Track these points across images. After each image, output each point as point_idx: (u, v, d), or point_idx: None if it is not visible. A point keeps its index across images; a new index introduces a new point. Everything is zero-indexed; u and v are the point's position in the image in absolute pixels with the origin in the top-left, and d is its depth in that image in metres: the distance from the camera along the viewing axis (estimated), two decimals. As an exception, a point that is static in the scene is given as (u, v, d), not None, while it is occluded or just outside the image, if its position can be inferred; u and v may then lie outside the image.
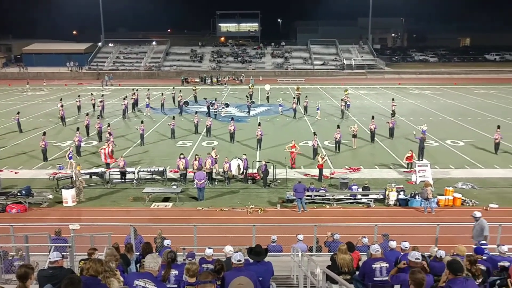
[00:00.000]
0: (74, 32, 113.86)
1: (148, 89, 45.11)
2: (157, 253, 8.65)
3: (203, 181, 20.46)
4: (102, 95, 43.41)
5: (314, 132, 27.29)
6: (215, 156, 23.21)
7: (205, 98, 42.42)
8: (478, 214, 13.68)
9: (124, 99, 40.91)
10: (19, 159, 26.41)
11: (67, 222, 14.25)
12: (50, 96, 51.71)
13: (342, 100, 40.00)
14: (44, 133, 27.24)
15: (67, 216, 18.29)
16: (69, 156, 24.05)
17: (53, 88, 58.69)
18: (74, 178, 20.65)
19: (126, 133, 32.61)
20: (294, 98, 40.92)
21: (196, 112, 35.06)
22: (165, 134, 32.17)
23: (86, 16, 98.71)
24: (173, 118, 33.33)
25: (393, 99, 39.61)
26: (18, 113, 34.23)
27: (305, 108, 39.79)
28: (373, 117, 31.25)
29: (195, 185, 20.71)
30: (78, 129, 28.23)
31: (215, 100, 42.29)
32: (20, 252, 11.81)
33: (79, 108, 39.64)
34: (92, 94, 42.27)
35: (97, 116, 34.31)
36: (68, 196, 19.74)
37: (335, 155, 26.84)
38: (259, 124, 29.98)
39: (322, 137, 29.40)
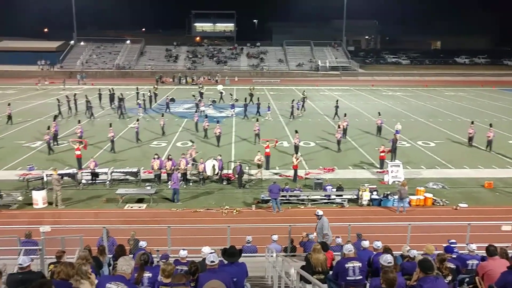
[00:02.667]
0: (45, 30, 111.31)
1: (112, 89, 44.40)
2: (130, 256, 8.55)
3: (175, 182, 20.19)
4: (75, 94, 42.49)
5: (296, 130, 27.34)
6: (259, 160, 23.28)
7: (194, 95, 44.03)
8: (320, 212, 14.00)
9: (120, 101, 39.57)
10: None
11: (38, 224, 13.95)
12: (19, 95, 50.50)
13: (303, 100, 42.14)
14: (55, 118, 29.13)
15: (37, 218, 17.87)
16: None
17: (23, 87, 57.31)
18: (54, 183, 19.61)
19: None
20: (246, 99, 40.79)
21: (206, 116, 33.43)
22: (156, 132, 32.39)
23: (57, 13, 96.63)
24: (162, 115, 33.78)
25: (337, 100, 40.14)
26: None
27: (258, 108, 39.45)
28: (345, 115, 32.93)
29: (170, 186, 20.55)
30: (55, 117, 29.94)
31: (201, 97, 43.82)
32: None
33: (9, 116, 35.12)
34: (75, 95, 41.04)
35: (54, 117, 33.13)
36: (39, 197, 19.30)
37: (336, 154, 27.70)
38: (257, 120, 30.80)
39: (281, 137, 29.47)
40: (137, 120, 31.56)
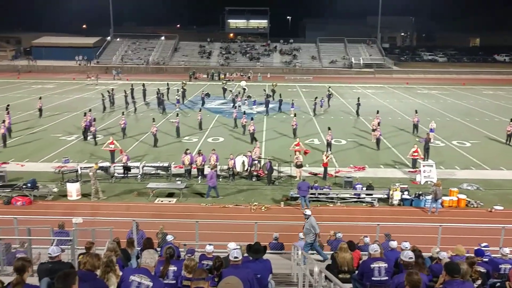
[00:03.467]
0: (84, 26, 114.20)
1: (143, 84, 45.28)
2: (154, 249, 8.66)
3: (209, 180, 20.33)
4: (112, 89, 43.51)
5: (328, 127, 27.13)
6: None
7: (230, 90, 46.11)
8: (308, 212, 13.53)
9: (158, 93, 40.96)
10: (26, 152, 26.59)
11: (71, 215, 14.35)
12: (57, 90, 51.96)
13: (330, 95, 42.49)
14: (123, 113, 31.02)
15: (71, 210, 18.40)
16: None
17: (61, 82, 58.98)
18: (91, 178, 20.07)
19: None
20: (267, 95, 40.92)
21: (244, 112, 33.54)
22: (193, 127, 32.79)
23: (95, 9, 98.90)
24: (200, 110, 34.73)
25: (358, 98, 39.67)
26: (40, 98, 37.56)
27: (280, 105, 39.26)
28: (377, 112, 32.58)
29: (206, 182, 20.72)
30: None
31: (238, 93, 44.51)
32: (26, 245, 11.88)
33: (40, 110, 36.35)
34: (112, 90, 42.25)
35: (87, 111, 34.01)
36: (73, 189, 19.85)
37: (368, 152, 27.49)
38: (295, 115, 31.42)
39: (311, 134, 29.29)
40: (177, 115, 32.18)
